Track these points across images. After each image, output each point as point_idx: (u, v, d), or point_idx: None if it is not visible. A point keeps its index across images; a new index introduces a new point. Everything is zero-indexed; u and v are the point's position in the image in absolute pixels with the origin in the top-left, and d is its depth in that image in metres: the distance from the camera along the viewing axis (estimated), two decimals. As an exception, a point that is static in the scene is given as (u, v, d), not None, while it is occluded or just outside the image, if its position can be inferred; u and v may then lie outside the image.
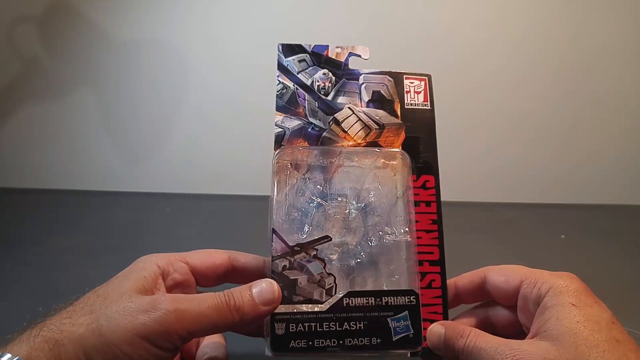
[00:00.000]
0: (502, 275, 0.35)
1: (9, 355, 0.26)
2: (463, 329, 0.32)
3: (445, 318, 0.37)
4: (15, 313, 0.45)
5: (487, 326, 0.38)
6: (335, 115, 0.39)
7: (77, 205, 0.78)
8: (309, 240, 0.35)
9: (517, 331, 0.35)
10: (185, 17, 0.81)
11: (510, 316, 0.36)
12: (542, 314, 0.31)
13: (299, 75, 0.40)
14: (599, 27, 0.84)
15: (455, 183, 0.81)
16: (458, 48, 0.83)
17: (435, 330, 0.34)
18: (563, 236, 0.71)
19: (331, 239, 0.35)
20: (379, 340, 0.33)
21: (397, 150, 0.39)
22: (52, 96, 0.82)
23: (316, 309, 0.33)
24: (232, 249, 0.37)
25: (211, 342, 0.36)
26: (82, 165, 0.84)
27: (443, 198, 0.38)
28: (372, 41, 0.43)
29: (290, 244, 0.34)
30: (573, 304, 0.30)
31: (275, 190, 0.36)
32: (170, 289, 0.33)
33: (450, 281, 0.38)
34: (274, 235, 0.34)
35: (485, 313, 0.38)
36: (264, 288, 0.31)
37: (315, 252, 0.34)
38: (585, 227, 0.76)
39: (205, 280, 0.36)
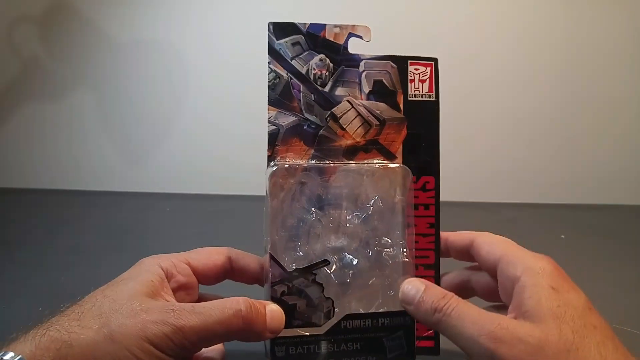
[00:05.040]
0: (486, 244, 0.35)
1: (11, 354, 0.25)
2: (445, 292, 0.32)
3: None
4: (15, 313, 0.45)
5: (467, 289, 0.37)
6: (332, 110, 0.36)
7: (77, 205, 0.78)
8: (307, 265, 0.34)
9: (495, 300, 0.35)
10: (184, 18, 0.81)
11: (493, 284, 0.35)
12: (522, 293, 0.30)
13: (293, 62, 0.36)
14: (602, 29, 0.84)
15: (455, 183, 0.81)
16: (459, 46, 0.82)
17: (416, 284, 0.32)
18: (563, 236, 0.71)
19: (329, 263, 0.34)
20: (374, 359, 0.34)
21: (397, 165, 0.37)
22: (52, 96, 0.82)
23: (314, 332, 0.34)
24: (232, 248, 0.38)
25: None
26: (82, 165, 0.84)
27: (443, 198, 0.38)
28: (374, 21, 0.39)
29: (288, 264, 0.34)
30: (553, 288, 0.30)
31: (270, 206, 0.34)
32: (174, 291, 0.33)
33: (443, 234, 0.37)
34: (271, 260, 0.34)
35: (469, 276, 0.37)
36: (276, 318, 0.32)
37: (313, 277, 0.34)
38: (585, 227, 0.76)
39: (206, 279, 0.36)
